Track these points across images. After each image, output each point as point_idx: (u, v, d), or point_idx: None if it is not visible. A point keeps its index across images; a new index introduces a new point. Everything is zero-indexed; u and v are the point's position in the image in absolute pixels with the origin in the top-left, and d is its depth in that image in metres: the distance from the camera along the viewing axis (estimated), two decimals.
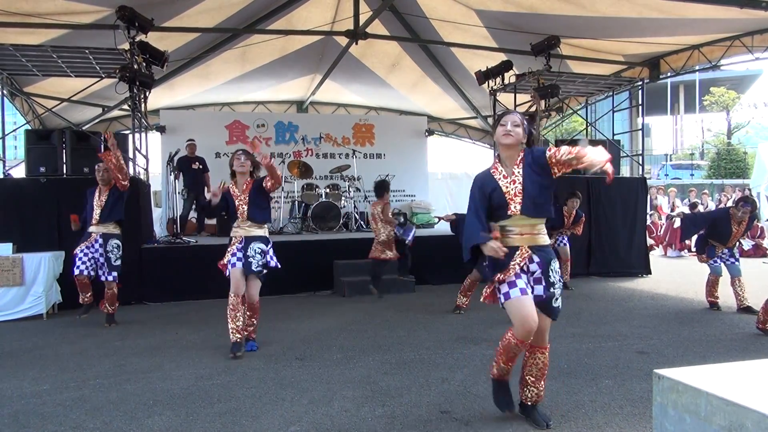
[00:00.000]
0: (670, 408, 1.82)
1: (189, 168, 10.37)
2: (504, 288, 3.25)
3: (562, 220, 7.78)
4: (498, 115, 3.50)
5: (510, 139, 3.29)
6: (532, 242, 3.30)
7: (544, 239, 3.37)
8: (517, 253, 3.26)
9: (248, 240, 5.09)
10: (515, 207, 3.27)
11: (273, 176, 5.07)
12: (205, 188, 10.71)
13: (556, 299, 3.35)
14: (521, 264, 3.25)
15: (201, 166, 10.72)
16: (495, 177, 3.35)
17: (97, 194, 6.30)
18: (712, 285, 6.86)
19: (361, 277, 8.12)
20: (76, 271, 6.22)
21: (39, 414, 3.64)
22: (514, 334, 3.25)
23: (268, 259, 5.18)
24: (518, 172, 3.30)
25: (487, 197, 3.34)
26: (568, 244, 8.17)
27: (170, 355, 5.04)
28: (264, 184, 5.12)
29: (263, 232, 5.20)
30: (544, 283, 3.29)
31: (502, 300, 3.27)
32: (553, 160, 3.22)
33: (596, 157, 3.07)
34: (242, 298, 5.04)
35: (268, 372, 4.46)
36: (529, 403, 3.41)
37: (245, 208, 5.11)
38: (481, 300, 3.45)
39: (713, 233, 6.74)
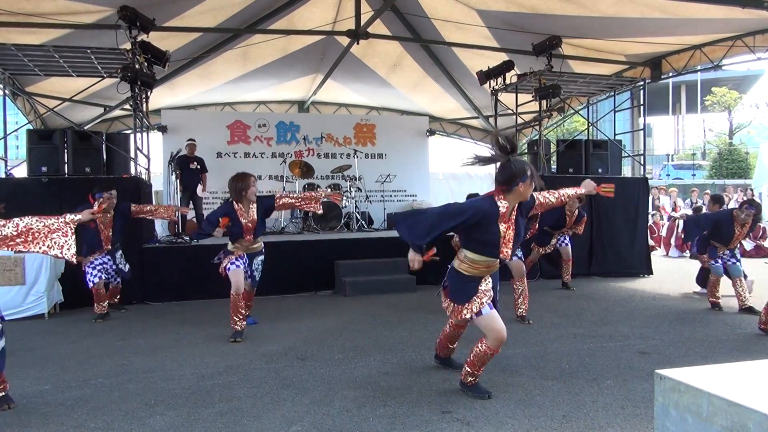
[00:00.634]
0: (671, 408, 1.82)
1: (187, 167, 10.38)
2: (476, 307, 3.66)
3: (564, 220, 7.77)
4: (530, 168, 3.58)
5: (529, 195, 3.64)
6: (492, 272, 3.78)
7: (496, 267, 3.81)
8: (483, 281, 3.71)
9: (251, 256, 5.59)
10: (507, 251, 3.65)
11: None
12: (199, 186, 10.77)
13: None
14: (485, 289, 3.70)
15: (199, 166, 10.74)
16: (500, 215, 3.57)
17: (99, 225, 6.37)
18: (713, 286, 6.85)
19: (363, 277, 8.13)
20: (95, 281, 6.45)
21: (41, 413, 3.64)
22: (489, 346, 3.67)
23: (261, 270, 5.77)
24: (514, 219, 3.65)
25: (474, 226, 3.57)
26: (569, 245, 8.15)
27: (171, 354, 5.05)
28: (279, 203, 5.47)
29: (261, 245, 5.70)
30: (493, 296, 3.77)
31: (475, 317, 3.68)
32: (540, 202, 3.86)
33: (584, 189, 4.03)
34: (242, 295, 5.48)
35: (270, 372, 4.46)
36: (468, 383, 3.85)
37: (252, 231, 5.45)
38: (447, 313, 3.92)
39: (715, 234, 6.74)
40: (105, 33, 7.95)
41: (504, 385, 3.88)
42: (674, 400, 1.80)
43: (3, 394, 3.74)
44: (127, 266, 6.90)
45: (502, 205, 3.56)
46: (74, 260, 3.63)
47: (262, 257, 5.71)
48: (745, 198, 11.51)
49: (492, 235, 3.58)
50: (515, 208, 3.64)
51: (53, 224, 3.51)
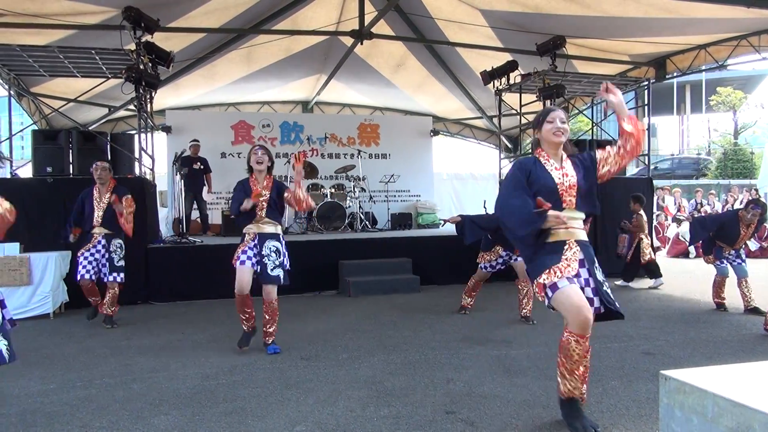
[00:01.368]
0: (676, 409, 1.81)
1: (190, 167, 10.41)
2: (549, 279, 3.10)
3: None
4: (542, 112, 3.37)
5: (562, 137, 3.28)
6: (577, 236, 3.22)
7: (584, 234, 3.32)
8: (566, 247, 3.17)
9: (262, 237, 4.97)
10: (570, 200, 3.22)
11: (297, 203, 5.01)
12: (205, 188, 10.80)
13: (604, 290, 3.21)
14: (570, 257, 3.14)
15: (202, 167, 10.78)
16: (546, 167, 3.26)
17: (96, 195, 6.16)
18: (718, 286, 6.83)
19: (366, 277, 8.14)
20: (78, 276, 6.07)
21: (46, 413, 3.66)
22: (570, 331, 3.12)
23: (285, 261, 5.05)
24: (568, 167, 3.29)
25: (530, 184, 3.21)
26: None
27: (176, 354, 5.06)
28: (286, 196, 5.04)
29: (278, 229, 5.09)
30: (588, 278, 3.20)
31: (550, 294, 3.12)
32: (605, 158, 3.28)
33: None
34: (247, 295, 4.94)
35: (274, 372, 4.47)
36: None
37: (264, 205, 4.98)
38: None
39: (721, 235, 6.72)
40: (109, 34, 7.98)
41: (508, 386, 3.87)
42: (679, 401, 1.80)
43: None
44: (122, 262, 6.23)
45: (543, 156, 3.31)
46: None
47: (276, 243, 4.98)
48: (750, 198, 11.45)
49: (546, 182, 3.21)
50: (564, 159, 3.32)
51: None
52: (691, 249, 12.86)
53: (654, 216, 11.50)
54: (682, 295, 7.96)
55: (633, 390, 3.92)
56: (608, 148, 3.35)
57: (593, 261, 3.24)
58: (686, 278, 9.47)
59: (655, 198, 10.52)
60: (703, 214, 11.66)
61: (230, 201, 5.36)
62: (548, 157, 3.31)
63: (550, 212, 3.06)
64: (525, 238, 3.23)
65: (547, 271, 3.12)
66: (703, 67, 10.60)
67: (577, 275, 3.14)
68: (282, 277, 4.97)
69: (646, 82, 10.46)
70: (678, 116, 44.02)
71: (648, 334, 5.56)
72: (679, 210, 15.16)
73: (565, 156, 3.34)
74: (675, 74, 10.72)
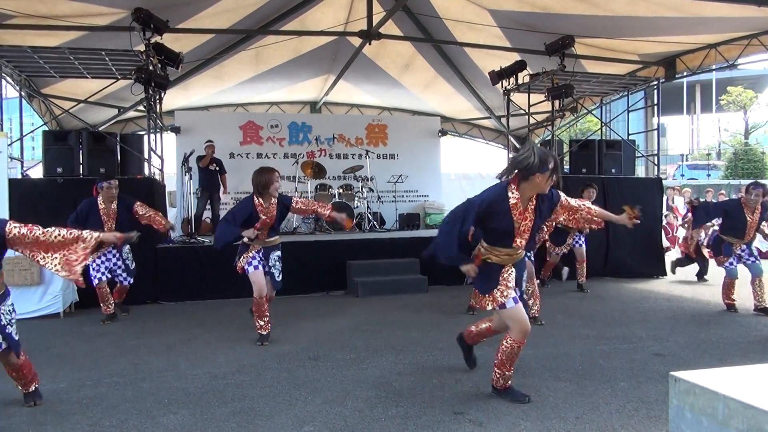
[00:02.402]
0: (687, 411, 1.81)
1: (206, 168, 10.46)
2: (500, 299, 3.58)
3: None
4: (549, 162, 3.39)
5: (548, 189, 3.53)
6: (515, 261, 3.67)
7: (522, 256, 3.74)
8: (504, 269, 3.62)
9: (267, 249, 5.42)
10: (521, 242, 3.59)
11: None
12: (221, 189, 10.84)
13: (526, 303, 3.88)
14: (508, 278, 3.61)
15: (218, 168, 10.80)
16: (510, 205, 3.49)
17: (102, 207, 6.33)
18: (728, 288, 6.76)
19: (374, 278, 8.14)
20: (96, 281, 6.36)
21: (56, 412, 3.68)
22: (515, 339, 3.62)
23: (281, 267, 5.55)
24: (531, 210, 3.55)
25: (486, 217, 3.53)
26: (584, 245, 8.07)
27: (185, 354, 5.08)
28: (295, 205, 5.42)
29: (277, 240, 5.55)
30: (518, 290, 3.69)
31: (498, 309, 3.64)
32: (560, 209, 3.75)
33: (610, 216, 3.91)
34: (266, 297, 5.40)
35: (282, 372, 4.48)
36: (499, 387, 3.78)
37: (269, 227, 5.37)
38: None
39: (727, 226, 6.61)
40: (119, 35, 8.03)
41: (516, 386, 3.85)
42: (689, 403, 1.79)
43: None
44: (134, 264, 6.67)
45: (513, 195, 3.46)
46: (79, 283, 3.61)
47: (278, 252, 5.50)
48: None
49: (504, 224, 3.50)
50: (532, 200, 3.52)
51: (70, 244, 3.51)
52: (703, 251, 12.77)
53: (663, 216, 11.42)
54: (692, 296, 7.91)
55: (642, 391, 3.90)
56: (573, 204, 3.81)
57: (522, 275, 3.77)
58: (696, 279, 9.41)
59: (665, 198, 10.44)
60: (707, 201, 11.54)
61: (230, 211, 5.42)
62: (518, 199, 3.49)
63: (466, 267, 3.58)
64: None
65: (492, 293, 3.61)
66: (714, 67, 10.51)
67: (515, 290, 3.64)
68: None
69: (656, 82, 10.39)
70: (688, 116, 43.80)
71: (657, 335, 5.53)
72: (688, 211, 15.05)
73: (535, 197, 3.55)
74: (685, 74, 10.64)
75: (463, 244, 3.58)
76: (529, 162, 3.36)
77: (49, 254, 3.49)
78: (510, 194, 3.47)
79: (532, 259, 6.10)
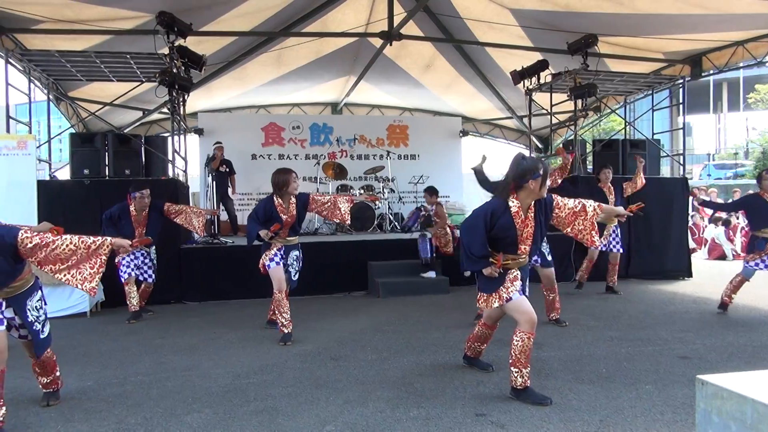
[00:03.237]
0: (714, 415, 1.78)
1: (216, 170, 10.56)
2: (505, 295, 3.72)
3: (605, 198, 7.47)
4: (536, 167, 3.63)
5: (545, 194, 3.69)
6: (520, 267, 3.81)
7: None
8: (509, 271, 3.77)
9: (288, 248, 5.54)
10: (524, 248, 3.76)
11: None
12: (230, 189, 10.94)
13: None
14: (513, 278, 3.76)
15: (227, 169, 10.91)
16: (515, 219, 3.67)
17: (133, 213, 6.53)
18: (736, 286, 6.48)
19: (395, 278, 8.14)
20: (126, 277, 6.55)
21: (84, 409, 3.75)
22: (524, 330, 3.66)
23: (298, 267, 5.68)
24: (531, 217, 3.71)
25: (492, 227, 3.69)
26: (621, 250, 7.84)
27: (208, 353, 5.14)
28: (312, 201, 5.55)
29: (297, 239, 5.70)
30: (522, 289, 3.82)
31: (504, 304, 3.74)
32: (557, 211, 3.81)
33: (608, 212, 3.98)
34: (286, 293, 5.48)
35: (304, 372, 4.50)
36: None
37: (290, 226, 5.48)
38: (480, 306, 3.96)
39: (753, 218, 6.43)
40: (143, 38, 8.14)
41: (539, 389, 3.83)
42: (717, 407, 1.76)
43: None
44: (155, 266, 6.84)
45: (514, 204, 3.66)
46: (92, 293, 3.60)
47: (297, 252, 5.64)
48: None
49: (507, 233, 3.68)
50: (531, 206, 3.71)
51: (85, 252, 3.45)
52: (728, 251, 12.56)
53: (689, 217, 11.24)
54: (719, 298, 7.74)
55: (668, 395, 3.84)
56: (570, 205, 3.84)
57: (526, 278, 3.92)
58: (723, 281, 9.22)
59: (691, 198, 10.25)
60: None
61: (253, 210, 5.56)
62: (519, 207, 3.67)
63: (489, 270, 3.70)
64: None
65: (497, 291, 3.76)
66: (741, 64, 10.31)
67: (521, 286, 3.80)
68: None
69: (681, 81, 10.22)
70: (714, 115, 43.01)
71: (683, 338, 5.44)
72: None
73: (534, 203, 3.70)
74: (711, 72, 10.44)
75: (484, 249, 3.74)
76: (519, 171, 3.64)
77: (65, 267, 3.43)
78: (511, 203, 3.67)
79: (539, 262, 5.97)
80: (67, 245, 3.39)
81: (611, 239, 7.76)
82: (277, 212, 5.36)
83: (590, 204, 3.90)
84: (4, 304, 3.46)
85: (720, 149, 41.08)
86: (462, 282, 8.53)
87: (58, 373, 3.92)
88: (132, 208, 6.53)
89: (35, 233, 3.38)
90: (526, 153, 14.14)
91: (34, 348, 3.65)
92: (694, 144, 40.50)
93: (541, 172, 3.60)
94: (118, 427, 3.45)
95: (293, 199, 5.45)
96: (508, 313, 3.80)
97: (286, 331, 5.42)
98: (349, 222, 5.96)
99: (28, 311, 3.54)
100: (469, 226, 3.81)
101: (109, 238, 3.59)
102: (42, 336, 3.65)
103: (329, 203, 5.62)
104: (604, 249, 7.72)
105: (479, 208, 3.84)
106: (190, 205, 6.79)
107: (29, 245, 3.30)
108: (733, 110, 40.87)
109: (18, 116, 8.52)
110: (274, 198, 5.40)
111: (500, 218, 3.67)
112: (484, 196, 16.06)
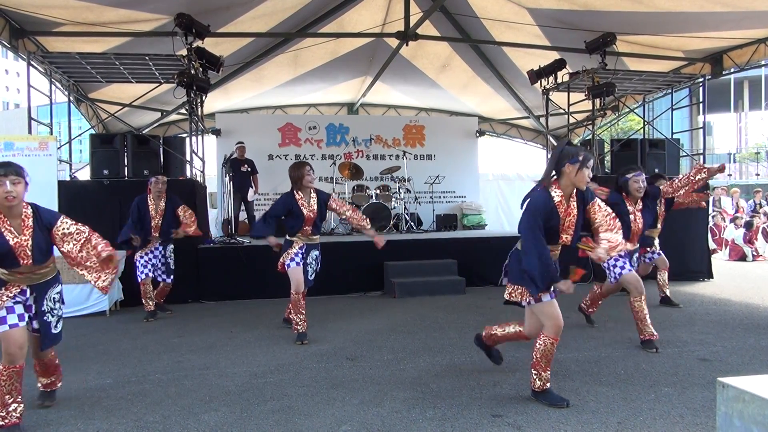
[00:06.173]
0: (735, 418, 1.75)
1: (238, 170, 10.63)
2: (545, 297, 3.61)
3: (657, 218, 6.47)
4: (578, 155, 3.54)
5: (584, 184, 3.62)
6: (556, 257, 3.73)
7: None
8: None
9: (309, 247, 5.56)
10: (567, 238, 3.69)
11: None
12: (251, 189, 11.01)
13: None
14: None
15: (249, 169, 10.99)
16: (558, 208, 3.61)
17: (151, 204, 6.61)
18: None
19: (412, 279, 8.13)
20: (142, 276, 6.62)
21: (103, 407, 3.80)
22: (549, 335, 3.63)
23: (316, 267, 5.69)
24: (573, 206, 3.66)
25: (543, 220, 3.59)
26: (661, 253, 6.94)
27: (225, 352, 5.17)
28: (331, 205, 5.57)
29: (319, 239, 5.69)
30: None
31: (533, 302, 3.64)
32: (591, 213, 3.73)
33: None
34: (303, 293, 5.49)
35: (320, 371, 4.52)
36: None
37: (312, 222, 5.49)
38: (507, 297, 3.80)
39: None
40: (162, 40, 8.23)
41: (556, 390, 3.80)
42: (738, 410, 1.73)
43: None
44: (173, 265, 6.84)
45: (557, 194, 3.61)
46: (104, 292, 3.74)
47: (317, 252, 5.64)
48: None
49: (551, 223, 3.59)
50: (573, 195, 3.65)
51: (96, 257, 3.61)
52: (748, 252, 12.37)
53: (710, 217, 11.08)
54: (741, 299, 7.64)
55: (687, 397, 3.79)
56: (603, 211, 3.74)
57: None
58: (744, 282, 9.10)
59: (711, 199, 10.11)
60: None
61: (272, 206, 5.60)
62: (562, 196, 3.62)
63: (565, 285, 3.56)
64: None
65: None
66: (763, 62, 10.15)
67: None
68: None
69: (701, 79, 10.09)
70: (735, 113, 42.38)
71: (704, 340, 5.37)
72: (737, 211, 14.56)
73: (575, 193, 3.67)
74: (732, 70, 10.30)
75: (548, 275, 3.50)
76: (558, 156, 3.60)
77: (86, 268, 3.62)
78: (553, 193, 3.62)
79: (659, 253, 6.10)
80: (88, 251, 3.58)
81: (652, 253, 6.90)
82: (298, 206, 5.39)
83: (619, 234, 3.68)
84: (28, 291, 3.52)
85: (741, 149, 40.46)
86: (478, 283, 8.51)
87: (56, 379, 3.91)
88: (150, 197, 6.62)
89: (74, 222, 3.62)
90: (543, 153, 14.07)
91: (42, 340, 3.59)
92: (714, 143, 39.95)
93: (581, 158, 3.52)
94: (137, 424, 3.48)
95: (313, 194, 5.49)
96: (536, 313, 3.72)
97: (300, 330, 5.45)
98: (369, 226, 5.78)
99: (45, 301, 3.59)
100: (528, 228, 3.53)
101: (117, 253, 3.75)
102: (53, 330, 3.63)
103: (344, 216, 5.73)
104: (648, 261, 6.95)
105: (526, 208, 3.60)
106: (194, 219, 6.80)
107: (65, 230, 3.55)
108: (755, 109, 40.24)
109: (39, 118, 8.64)
110: (294, 192, 5.45)
111: (547, 208, 3.58)
112: (501, 197, 15.96)
